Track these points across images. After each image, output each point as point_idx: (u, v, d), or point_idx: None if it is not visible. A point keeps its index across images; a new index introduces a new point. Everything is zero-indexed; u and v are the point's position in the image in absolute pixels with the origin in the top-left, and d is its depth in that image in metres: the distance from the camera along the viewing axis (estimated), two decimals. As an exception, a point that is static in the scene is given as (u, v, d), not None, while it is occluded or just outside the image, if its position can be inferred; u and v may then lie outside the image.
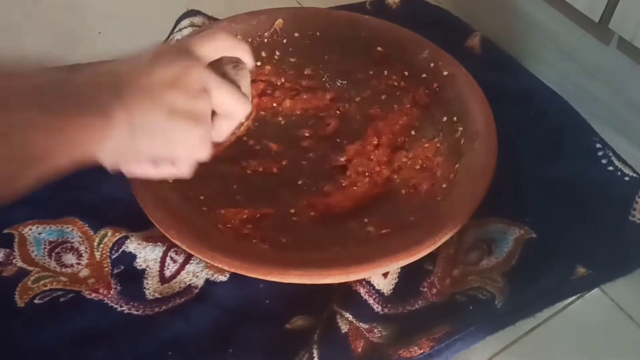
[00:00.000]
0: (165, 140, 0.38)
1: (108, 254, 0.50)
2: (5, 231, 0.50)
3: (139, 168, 0.40)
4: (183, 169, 0.41)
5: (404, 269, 0.49)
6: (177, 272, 0.49)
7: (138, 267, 0.49)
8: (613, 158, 0.58)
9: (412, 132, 0.58)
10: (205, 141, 0.40)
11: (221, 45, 0.41)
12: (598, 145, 0.60)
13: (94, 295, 0.47)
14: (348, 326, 0.46)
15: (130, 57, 0.38)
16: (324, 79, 0.63)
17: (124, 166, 0.40)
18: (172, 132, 0.37)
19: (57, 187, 0.53)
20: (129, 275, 0.49)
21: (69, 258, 0.49)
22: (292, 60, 0.63)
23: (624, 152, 0.59)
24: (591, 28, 0.62)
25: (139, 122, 0.36)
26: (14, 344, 0.44)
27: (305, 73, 0.62)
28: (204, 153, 0.40)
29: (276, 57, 0.63)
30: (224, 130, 0.41)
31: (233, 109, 0.40)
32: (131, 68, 0.37)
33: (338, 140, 0.58)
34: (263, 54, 0.63)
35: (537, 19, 0.68)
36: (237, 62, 0.42)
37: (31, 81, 0.33)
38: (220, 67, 0.41)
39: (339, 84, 0.63)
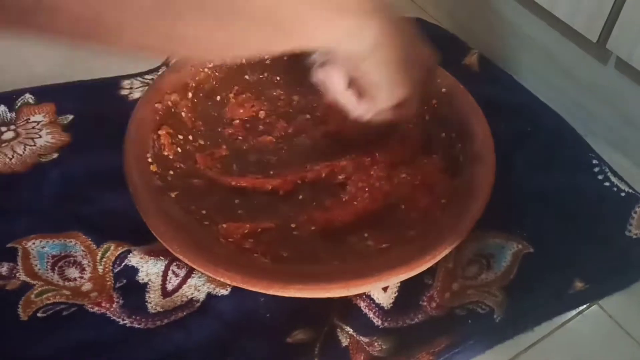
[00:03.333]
0: (385, 78, 0.44)
1: (111, 267, 0.50)
2: (9, 245, 0.51)
3: (336, 79, 0.46)
4: (364, 110, 0.47)
5: (403, 283, 0.49)
6: (179, 286, 0.49)
7: (140, 281, 0.49)
8: (609, 174, 0.59)
9: (411, 148, 0.59)
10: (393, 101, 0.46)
11: None
12: (594, 161, 0.60)
13: (96, 308, 0.48)
14: (348, 340, 0.47)
15: None
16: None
17: (328, 71, 0.45)
18: (396, 75, 0.44)
19: (60, 201, 0.54)
20: (131, 289, 0.49)
21: (72, 272, 0.50)
22: (291, 78, 0.64)
23: (620, 168, 0.60)
24: (589, 48, 0.63)
25: (382, 44, 0.41)
26: (17, 357, 0.45)
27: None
28: (387, 110, 0.47)
29: (277, 79, 0.64)
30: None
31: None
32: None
33: (338, 155, 0.59)
34: (265, 74, 0.64)
35: (535, 39, 0.68)
36: None
37: None
38: None
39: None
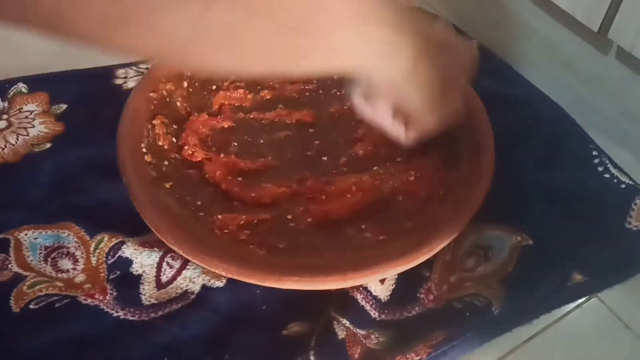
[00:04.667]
0: (429, 99, 0.42)
1: (104, 259, 0.49)
2: (1, 236, 0.50)
3: (381, 112, 0.44)
4: (415, 136, 0.46)
5: (401, 275, 0.49)
6: (174, 277, 0.49)
7: (134, 273, 0.49)
8: (609, 165, 0.59)
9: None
10: (444, 119, 0.44)
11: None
12: (594, 153, 0.60)
13: (89, 300, 0.47)
14: (345, 332, 0.46)
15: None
16: (320, 91, 0.62)
17: (371, 101, 0.44)
18: (440, 93, 0.42)
19: (53, 191, 0.54)
20: (125, 281, 0.48)
21: (65, 263, 0.49)
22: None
23: (620, 160, 0.60)
24: (590, 37, 0.62)
25: (419, 66, 0.39)
26: (8, 349, 0.44)
27: (305, 87, 0.62)
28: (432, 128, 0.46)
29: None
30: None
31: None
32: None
33: (336, 148, 0.58)
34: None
35: (536, 28, 0.68)
36: None
37: None
38: None
39: (335, 91, 0.62)
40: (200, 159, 0.54)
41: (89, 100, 0.62)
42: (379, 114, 0.46)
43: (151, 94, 0.56)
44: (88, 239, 0.51)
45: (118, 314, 0.47)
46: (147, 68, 0.66)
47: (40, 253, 0.50)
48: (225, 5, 0.28)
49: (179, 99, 0.58)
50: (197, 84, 0.60)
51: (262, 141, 0.58)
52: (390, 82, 0.40)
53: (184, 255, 0.45)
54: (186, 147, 0.54)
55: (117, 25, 0.26)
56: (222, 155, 0.55)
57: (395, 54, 0.38)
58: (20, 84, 0.63)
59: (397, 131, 0.46)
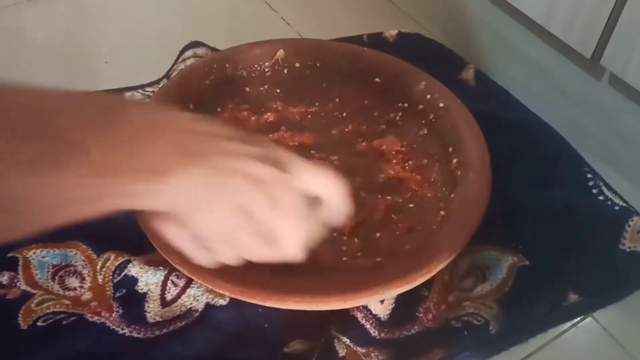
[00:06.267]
0: (218, 225, 0.36)
1: (110, 277, 0.50)
2: (10, 254, 0.51)
3: (179, 237, 0.39)
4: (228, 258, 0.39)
5: (400, 294, 0.49)
6: (178, 296, 0.50)
7: (139, 291, 0.50)
8: (603, 188, 0.60)
9: (409, 162, 0.59)
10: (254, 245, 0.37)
11: (320, 183, 0.39)
12: (589, 175, 0.61)
13: (96, 318, 0.48)
14: (345, 350, 0.47)
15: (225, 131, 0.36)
16: (322, 114, 0.64)
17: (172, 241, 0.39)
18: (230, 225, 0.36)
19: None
20: (131, 299, 0.49)
21: (72, 281, 0.50)
22: (291, 91, 0.65)
23: (613, 182, 0.61)
24: (583, 64, 0.64)
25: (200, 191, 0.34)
26: (17, 365, 0.45)
27: (307, 110, 0.64)
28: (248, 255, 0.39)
29: (277, 91, 0.65)
30: (258, 255, 0.38)
31: (281, 244, 0.37)
32: (216, 144, 0.35)
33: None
34: (266, 86, 0.65)
35: (531, 55, 0.69)
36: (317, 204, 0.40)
37: (84, 110, 0.31)
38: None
39: (337, 114, 0.64)
40: None
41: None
42: (177, 239, 0.39)
43: (157, 117, 0.57)
44: (95, 257, 0.52)
45: (124, 331, 0.47)
46: (153, 91, 0.67)
47: (48, 271, 0.51)
48: None
49: (185, 121, 0.59)
50: (202, 106, 0.61)
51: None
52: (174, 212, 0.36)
53: (188, 275, 0.46)
54: None
55: None
56: None
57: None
58: (29, 106, 0.64)
59: (198, 257, 0.40)
